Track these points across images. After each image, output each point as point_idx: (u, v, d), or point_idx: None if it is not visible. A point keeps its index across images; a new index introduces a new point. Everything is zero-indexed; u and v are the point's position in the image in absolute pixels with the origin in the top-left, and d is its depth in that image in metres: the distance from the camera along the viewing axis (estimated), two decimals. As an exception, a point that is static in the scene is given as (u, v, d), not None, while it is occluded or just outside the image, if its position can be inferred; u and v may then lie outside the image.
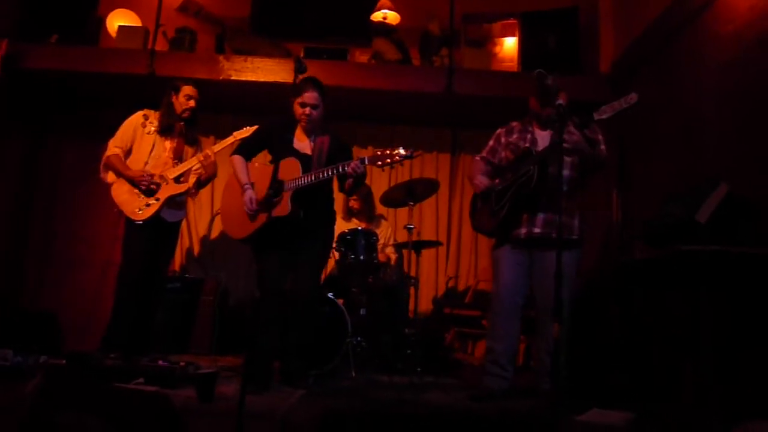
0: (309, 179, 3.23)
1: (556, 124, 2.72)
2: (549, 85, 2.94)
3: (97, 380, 2.70)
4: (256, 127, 3.87)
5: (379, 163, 3.13)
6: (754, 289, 2.55)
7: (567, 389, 3.21)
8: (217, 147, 3.98)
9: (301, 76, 2.90)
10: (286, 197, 3.25)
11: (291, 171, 3.28)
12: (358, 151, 5.64)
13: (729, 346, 2.52)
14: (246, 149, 3.53)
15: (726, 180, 2.98)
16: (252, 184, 3.40)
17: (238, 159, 3.49)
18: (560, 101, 2.69)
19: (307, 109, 3.35)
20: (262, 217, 3.29)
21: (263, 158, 3.60)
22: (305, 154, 3.37)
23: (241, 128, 3.94)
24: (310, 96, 3.34)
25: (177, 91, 3.87)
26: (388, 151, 3.12)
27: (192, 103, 3.88)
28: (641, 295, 3.29)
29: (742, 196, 2.92)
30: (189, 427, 2.26)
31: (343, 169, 3.17)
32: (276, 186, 3.28)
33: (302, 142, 3.44)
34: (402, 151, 3.10)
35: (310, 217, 3.33)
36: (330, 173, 3.20)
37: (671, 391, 3.01)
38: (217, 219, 5.48)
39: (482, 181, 3.46)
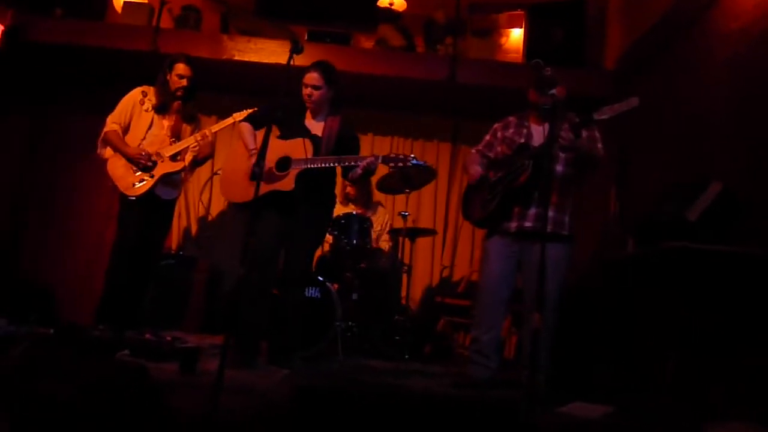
0: (320, 164, 3.28)
1: (550, 116, 2.71)
2: (546, 75, 2.93)
3: (82, 351, 2.73)
4: (256, 109, 3.87)
5: (392, 165, 3.23)
6: (736, 287, 2.54)
7: (551, 381, 3.23)
8: (216, 127, 3.98)
9: (296, 57, 2.90)
10: (292, 174, 3.29)
11: (300, 150, 3.31)
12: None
13: (705, 345, 2.52)
14: (255, 119, 3.56)
15: (725, 179, 2.97)
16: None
17: (245, 125, 3.52)
18: (554, 91, 2.67)
19: (308, 90, 3.39)
20: (265, 187, 3.30)
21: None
22: (316, 135, 3.41)
23: (242, 110, 3.93)
24: (309, 77, 3.40)
25: (170, 68, 3.87)
26: (402, 156, 3.22)
27: (184, 82, 3.85)
28: (630, 291, 3.28)
29: (735, 195, 2.91)
30: (169, 399, 2.28)
31: (356, 163, 3.25)
32: (282, 161, 3.34)
33: (313, 123, 3.48)
34: (415, 160, 3.21)
35: (311, 197, 3.37)
36: (342, 163, 3.27)
37: (654, 387, 3.02)
38: (215, 199, 5.50)
39: (477, 170, 3.46)
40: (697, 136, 3.62)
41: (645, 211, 3.91)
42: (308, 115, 3.50)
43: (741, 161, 3.11)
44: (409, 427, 1.62)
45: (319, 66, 3.43)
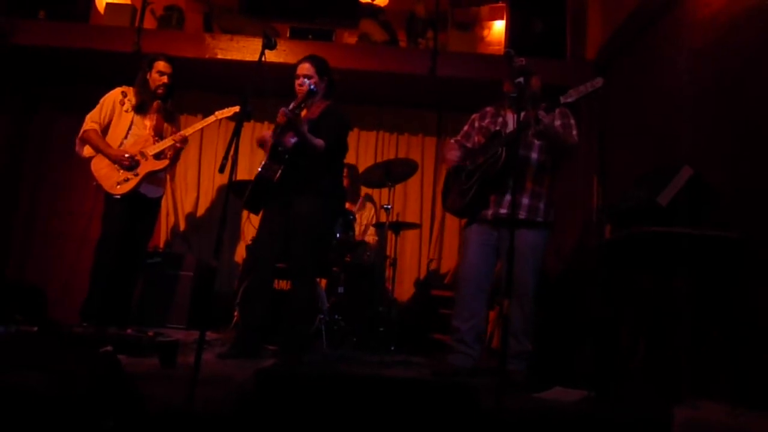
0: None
1: (516, 103, 2.74)
2: (517, 65, 2.96)
3: (63, 347, 2.77)
4: (238, 107, 3.89)
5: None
6: (702, 269, 2.58)
7: (534, 367, 3.27)
8: (200, 125, 4.03)
9: (268, 53, 2.92)
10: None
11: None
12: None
13: (675, 326, 2.55)
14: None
15: (697, 165, 3.00)
16: None
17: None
18: (520, 80, 2.70)
19: (300, 80, 3.45)
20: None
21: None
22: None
23: (225, 108, 3.96)
24: (301, 68, 3.49)
25: (150, 67, 3.90)
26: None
27: (165, 79, 3.90)
28: (606, 276, 3.32)
29: (705, 180, 2.94)
30: (146, 390, 2.32)
31: None
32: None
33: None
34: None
35: (302, 189, 3.36)
36: None
37: (631, 370, 3.05)
38: (203, 197, 5.55)
39: (452, 156, 3.51)
40: (671, 123, 3.66)
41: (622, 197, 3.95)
42: (304, 111, 3.49)
43: (711, 147, 3.14)
44: (365, 409, 1.66)
45: (311, 57, 3.51)
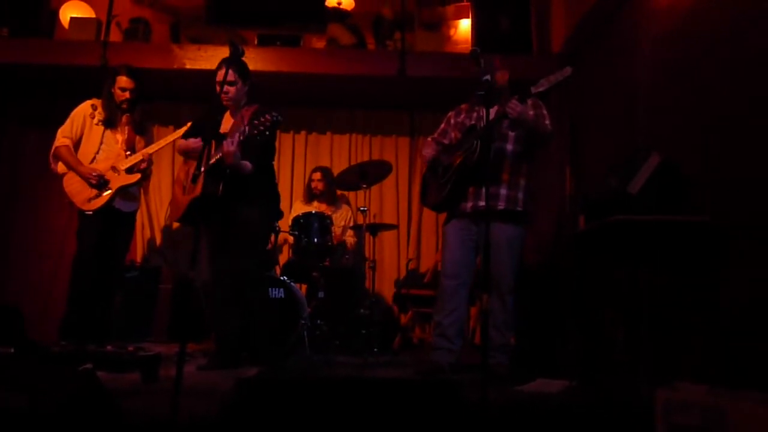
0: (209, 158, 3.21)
1: (486, 100, 2.78)
2: (482, 63, 3.01)
3: (42, 366, 2.73)
4: (189, 123, 3.86)
5: (256, 132, 3.08)
6: (674, 255, 2.63)
7: (517, 360, 3.31)
8: (164, 142, 4.02)
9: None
10: (200, 179, 3.17)
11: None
12: (317, 137, 5.70)
13: (651, 311, 2.60)
14: (187, 136, 3.54)
15: (666, 152, 3.05)
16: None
17: (179, 143, 3.54)
18: (487, 77, 2.74)
19: (224, 87, 3.30)
20: (185, 200, 3.35)
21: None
22: (221, 134, 3.33)
23: (196, 117, 3.95)
24: (221, 74, 3.29)
25: (113, 82, 3.88)
26: (262, 119, 3.08)
27: (127, 94, 3.88)
28: (582, 267, 3.37)
29: (674, 166, 2.99)
30: (129, 405, 2.30)
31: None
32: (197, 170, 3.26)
33: (227, 123, 3.44)
34: (271, 116, 3.07)
35: (239, 197, 3.30)
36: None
37: (612, 357, 3.10)
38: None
39: (428, 152, 3.56)
40: (633, 111, 3.72)
41: (594, 187, 4.01)
42: (227, 114, 3.46)
43: (678, 135, 3.20)
44: (351, 413, 1.66)
45: (231, 62, 3.19)
